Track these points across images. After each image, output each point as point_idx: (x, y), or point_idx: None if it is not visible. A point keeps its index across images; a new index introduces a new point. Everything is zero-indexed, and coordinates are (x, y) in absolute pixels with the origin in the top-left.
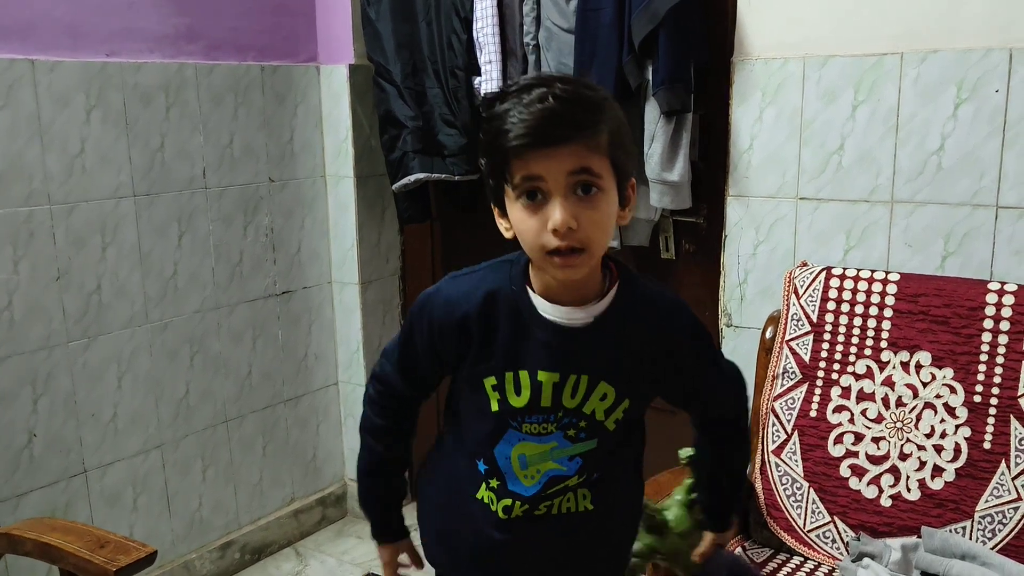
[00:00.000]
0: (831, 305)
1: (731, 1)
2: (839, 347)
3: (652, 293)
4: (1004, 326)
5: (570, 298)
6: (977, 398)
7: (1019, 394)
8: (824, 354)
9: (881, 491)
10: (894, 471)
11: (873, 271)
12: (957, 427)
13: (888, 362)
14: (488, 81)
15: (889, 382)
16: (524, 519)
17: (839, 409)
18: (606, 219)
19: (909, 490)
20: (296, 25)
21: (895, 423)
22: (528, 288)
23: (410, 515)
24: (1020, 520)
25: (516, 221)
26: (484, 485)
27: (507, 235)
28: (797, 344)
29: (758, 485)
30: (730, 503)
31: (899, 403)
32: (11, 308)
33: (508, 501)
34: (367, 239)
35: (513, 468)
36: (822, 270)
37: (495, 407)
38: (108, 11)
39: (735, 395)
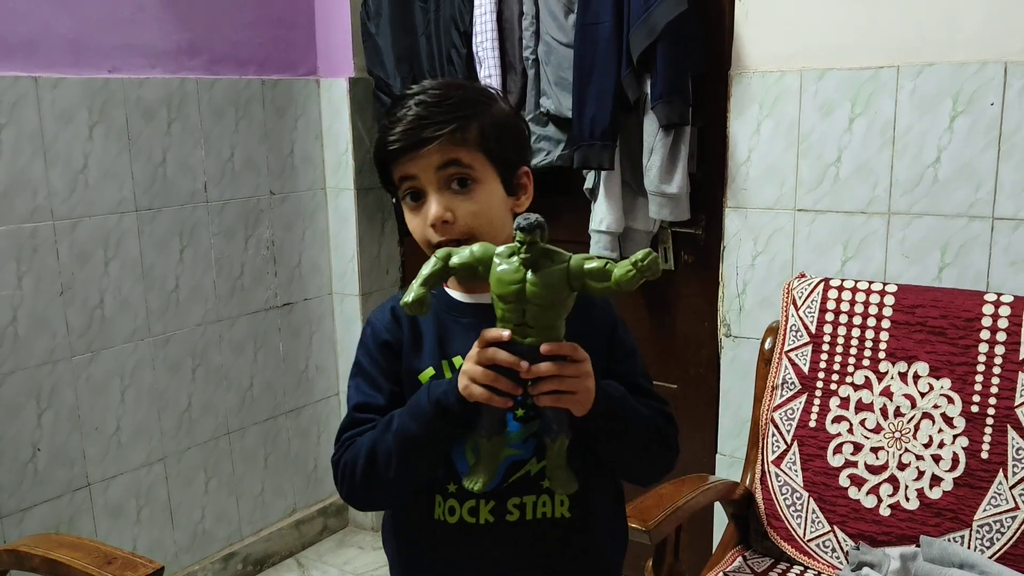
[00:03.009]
0: (829, 316)
1: (729, 14)
2: (838, 358)
3: None
4: (1001, 336)
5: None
6: (974, 408)
7: (1016, 404)
8: (823, 365)
9: (880, 500)
10: (893, 481)
11: (871, 282)
12: (955, 437)
13: (886, 373)
14: None
15: (887, 392)
16: (496, 526)
17: (838, 419)
18: (485, 208)
19: (908, 499)
20: (296, 39)
21: (893, 433)
22: (445, 288)
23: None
24: (1018, 529)
25: (407, 221)
26: (440, 498)
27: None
28: (796, 355)
29: (758, 495)
30: (626, 401)
31: (897, 413)
32: (15, 323)
33: (472, 502)
34: (367, 251)
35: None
36: (820, 281)
37: None
38: (110, 28)
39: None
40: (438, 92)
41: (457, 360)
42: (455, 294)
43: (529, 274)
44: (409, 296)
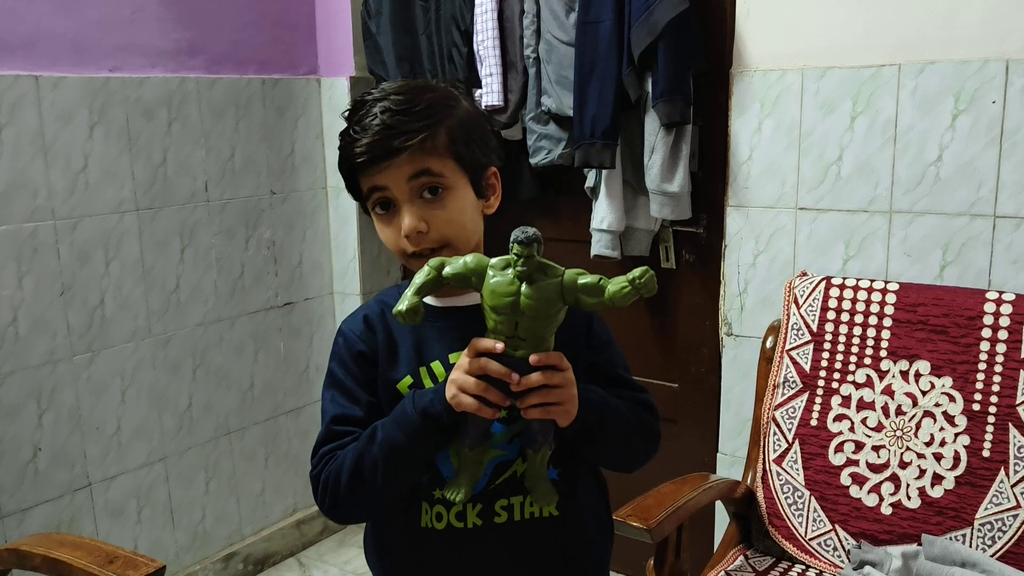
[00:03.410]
0: (831, 315)
1: (729, 13)
2: (839, 356)
3: None
4: (1002, 335)
5: (461, 293)
6: (976, 406)
7: (1017, 402)
8: (824, 363)
9: (881, 499)
10: (894, 479)
11: (872, 281)
12: (956, 435)
13: (888, 371)
14: (489, 94)
15: (889, 391)
16: (484, 529)
17: (839, 418)
18: (458, 215)
19: (909, 498)
20: (296, 38)
21: (895, 431)
22: None
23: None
24: (1019, 527)
25: (378, 231)
26: (427, 506)
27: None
28: (797, 353)
29: (759, 494)
30: (605, 404)
31: (899, 412)
32: (16, 323)
33: (459, 506)
34: (368, 250)
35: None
36: (822, 280)
37: None
38: (110, 27)
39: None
40: (402, 98)
41: (435, 365)
42: (431, 300)
43: (524, 287)
44: (403, 304)
